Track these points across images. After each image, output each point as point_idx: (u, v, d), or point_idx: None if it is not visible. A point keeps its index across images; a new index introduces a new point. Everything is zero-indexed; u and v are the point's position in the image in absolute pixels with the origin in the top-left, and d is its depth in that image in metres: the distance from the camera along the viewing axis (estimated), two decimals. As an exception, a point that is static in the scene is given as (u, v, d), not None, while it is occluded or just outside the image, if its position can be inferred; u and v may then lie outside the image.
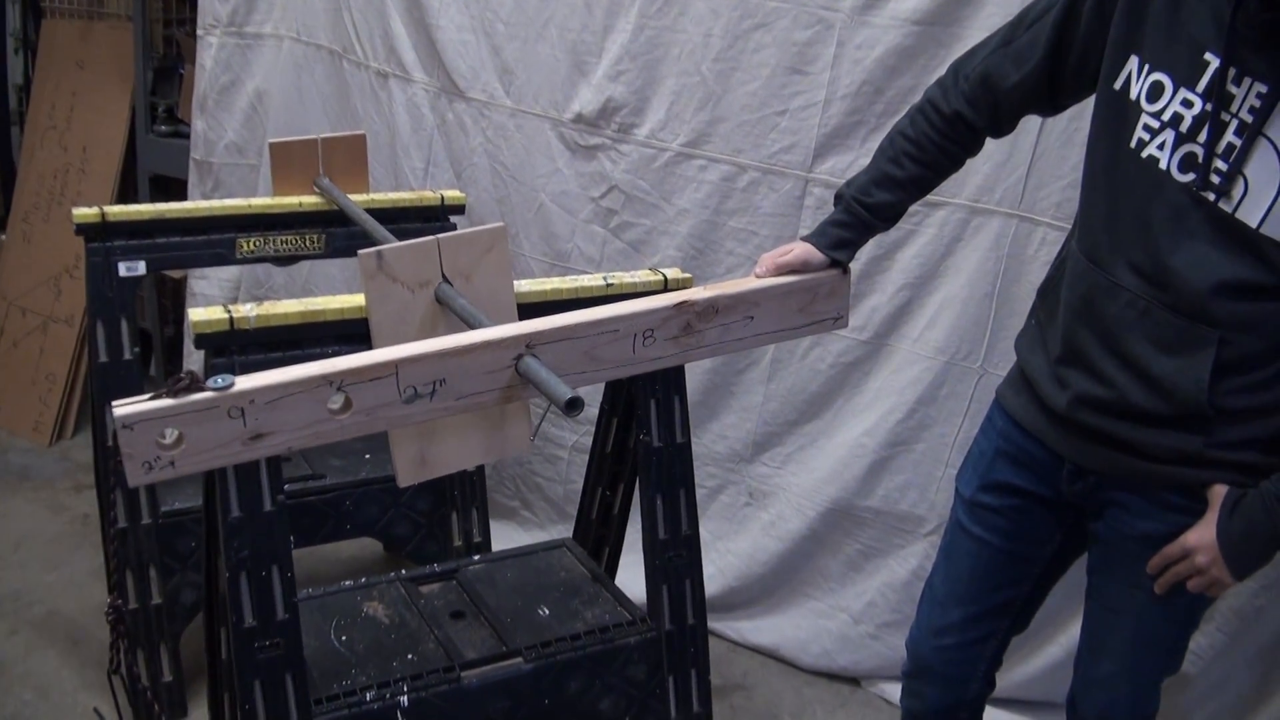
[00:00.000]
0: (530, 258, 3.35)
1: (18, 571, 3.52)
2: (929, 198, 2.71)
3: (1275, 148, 1.60)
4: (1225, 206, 1.65)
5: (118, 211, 2.72)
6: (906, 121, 2.00)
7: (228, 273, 4.08)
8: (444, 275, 1.86)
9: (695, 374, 3.12)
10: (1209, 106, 1.65)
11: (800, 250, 1.97)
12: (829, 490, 3.10)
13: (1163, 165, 1.70)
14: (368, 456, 3.17)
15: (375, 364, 1.67)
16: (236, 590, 2.05)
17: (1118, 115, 1.76)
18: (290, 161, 2.93)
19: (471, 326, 1.80)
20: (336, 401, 1.67)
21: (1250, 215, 1.63)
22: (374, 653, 2.33)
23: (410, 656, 2.32)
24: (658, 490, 2.43)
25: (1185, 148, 1.68)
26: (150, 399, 1.58)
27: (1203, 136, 1.65)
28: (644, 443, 2.42)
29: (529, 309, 2.01)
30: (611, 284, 2.35)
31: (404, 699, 2.21)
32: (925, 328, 2.93)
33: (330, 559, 3.52)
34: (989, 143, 2.05)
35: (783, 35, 2.88)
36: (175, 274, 4.35)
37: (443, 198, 3.01)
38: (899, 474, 3.01)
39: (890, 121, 2.76)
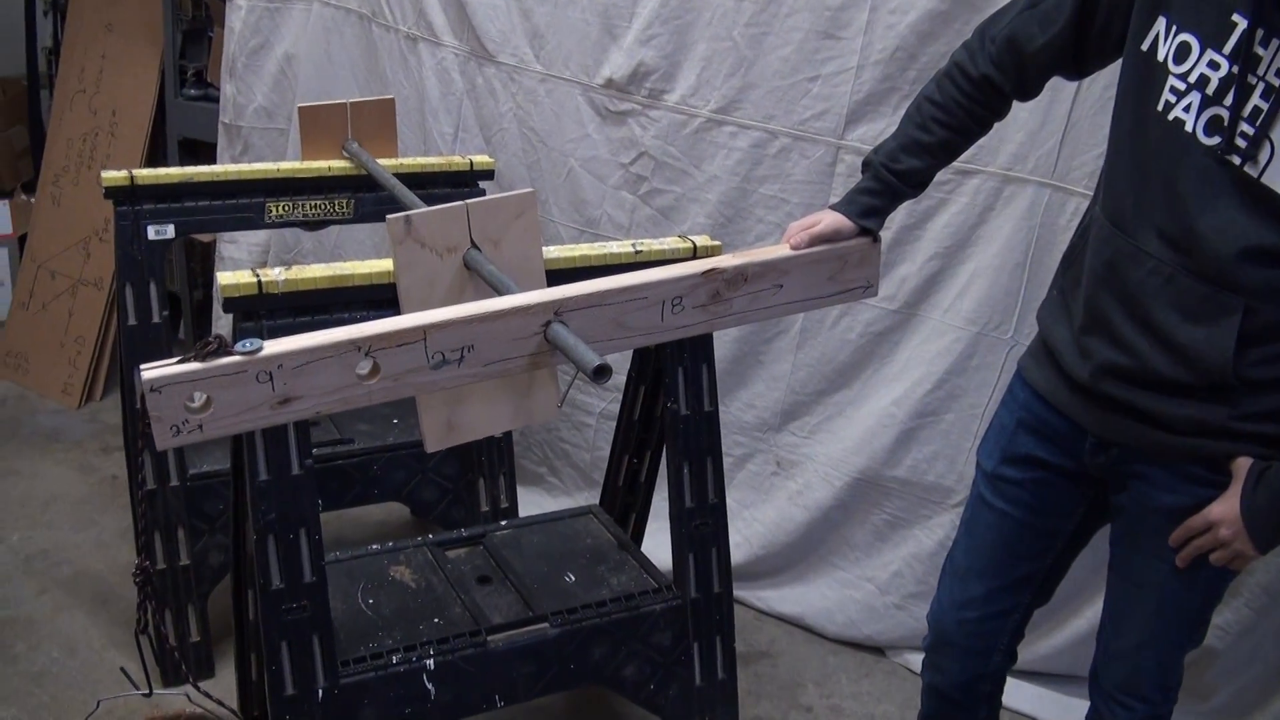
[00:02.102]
0: (559, 224, 3.34)
1: (46, 531, 3.55)
2: (961, 166, 2.71)
3: None
4: (1251, 170, 1.62)
5: (146, 175, 2.73)
6: (933, 86, 1.98)
7: (257, 237, 4.09)
8: (473, 241, 1.86)
9: (723, 342, 3.11)
10: (1235, 69, 1.62)
11: (830, 220, 1.95)
12: (856, 460, 3.09)
13: (1188, 128, 1.67)
14: (395, 421, 3.18)
15: (403, 329, 1.67)
16: (264, 553, 2.06)
17: (1144, 77, 1.73)
18: (319, 126, 2.93)
19: (500, 292, 1.79)
20: (364, 367, 1.67)
21: (1277, 180, 1.61)
22: (400, 616, 2.34)
23: (436, 620, 2.33)
24: (685, 458, 2.43)
25: (1211, 110, 1.65)
26: (178, 362, 1.58)
27: (1229, 99, 1.63)
28: (671, 410, 2.41)
29: (557, 275, 2.01)
30: (640, 251, 2.34)
31: (430, 662, 2.22)
32: (956, 298, 2.90)
33: (358, 523, 3.54)
34: (1022, 111, 2.03)
35: (816, 0, 2.85)
36: (204, 238, 4.35)
37: (471, 163, 3.01)
38: (927, 445, 2.99)
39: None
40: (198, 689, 2.01)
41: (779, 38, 2.92)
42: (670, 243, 2.38)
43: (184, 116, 4.36)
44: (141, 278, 2.74)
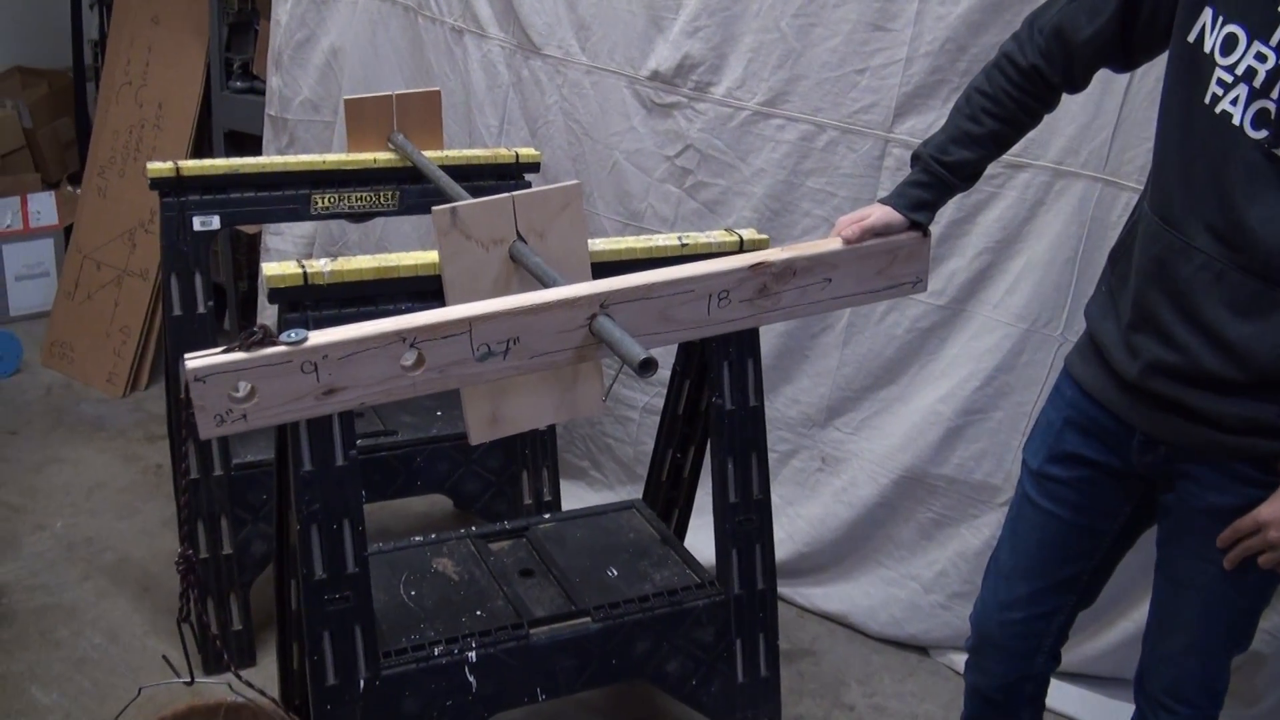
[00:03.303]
0: (604, 217, 3.33)
1: (90, 518, 3.57)
2: (1011, 159, 2.67)
3: None
4: None
5: (192, 166, 2.74)
6: (983, 78, 1.96)
7: (302, 229, 4.10)
8: (518, 233, 1.85)
9: (769, 337, 3.08)
10: None
11: (880, 214, 1.94)
12: (902, 457, 3.06)
13: (1235, 121, 1.64)
14: (439, 413, 3.17)
15: (449, 321, 1.66)
16: (307, 543, 2.07)
17: (1191, 69, 1.70)
18: (365, 118, 2.93)
19: (545, 285, 1.79)
20: (409, 358, 1.66)
21: None
22: (443, 608, 2.34)
23: (479, 613, 2.33)
24: (729, 453, 2.41)
25: (1259, 103, 1.62)
26: (223, 352, 1.59)
27: (1276, 92, 1.60)
28: (716, 405, 2.40)
29: (603, 268, 2.00)
30: (686, 244, 2.33)
31: (472, 654, 2.22)
32: (1005, 293, 2.87)
33: (401, 514, 3.54)
34: (1073, 103, 2.01)
35: (864, -9, 2.82)
36: (250, 229, 4.37)
37: (517, 155, 3.00)
38: (974, 442, 2.96)
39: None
40: (239, 678, 2.01)
41: (827, 29, 2.89)
42: (716, 236, 2.36)
43: (230, 109, 4.37)
44: (187, 268, 2.75)
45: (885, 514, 3.14)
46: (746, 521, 2.44)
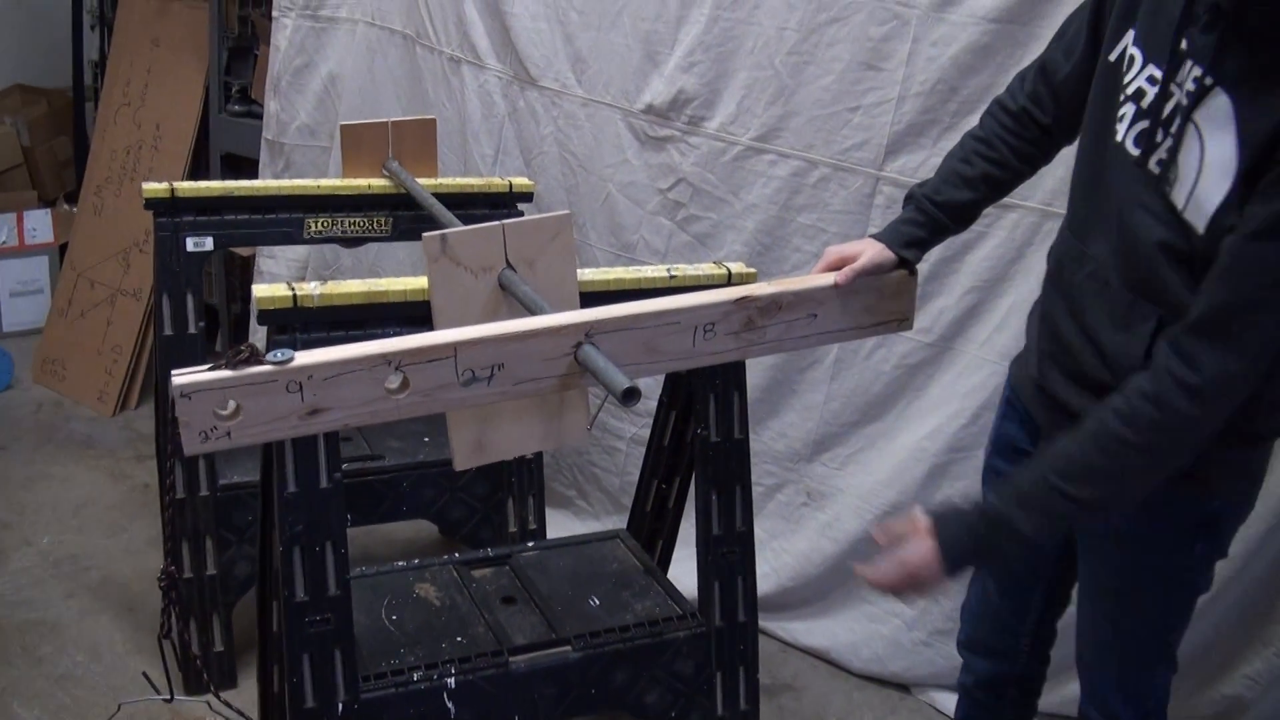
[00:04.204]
0: (596, 248, 3.35)
1: (76, 536, 3.58)
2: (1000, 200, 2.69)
3: (1199, 135, 1.58)
4: (1166, 188, 1.64)
5: (187, 188, 2.76)
6: (977, 126, 2.03)
7: (295, 252, 4.12)
8: (508, 261, 1.87)
9: (757, 370, 3.10)
10: (1160, 87, 1.65)
11: (871, 254, 1.96)
12: (888, 493, 3.07)
13: (1119, 138, 1.71)
14: (426, 439, 3.18)
15: (434, 345, 1.68)
16: (290, 564, 2.07)
17: (1108, 87, 1.76)
18: (360, 144, 2.96)
19: (533, 313, 1.80)
20: (394, 381, 1.68)
21: (1179, 198, 1.62)
22: (423, 633, 2.34)
23: (459, 639, 2.33)
24: (713, 485, 2.42)
25: (1141, 124, 1.68)
26: (210, 369, 1.60)
27: (1156, 114, 1.66)
28: (702, 437, 2.40)
29: (591, 298, 2.01)
30: (675, 276, 2.34)
31: (451, 680, 2.22)
32: (993, 331, 2.88)
33: (386, 539, 3.54)
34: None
35: (858, 30, 2.85)
36: (244, 252, 4.39)
37: (511, 185, 3.02)
38: (959, 479, 2.96)
39: (964, 121, 2.76)
40: (218, 698, 2.01)
41: (820, 67, 2.92)
42: (705, 268, 2.38)
43: (227, 132, 4.40)
44: (179, 289, 2.77)
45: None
46: (729, 554, 2.44)
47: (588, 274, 2.27)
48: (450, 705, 2.21)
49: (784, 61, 2.95)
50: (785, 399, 3.20)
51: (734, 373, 2.40)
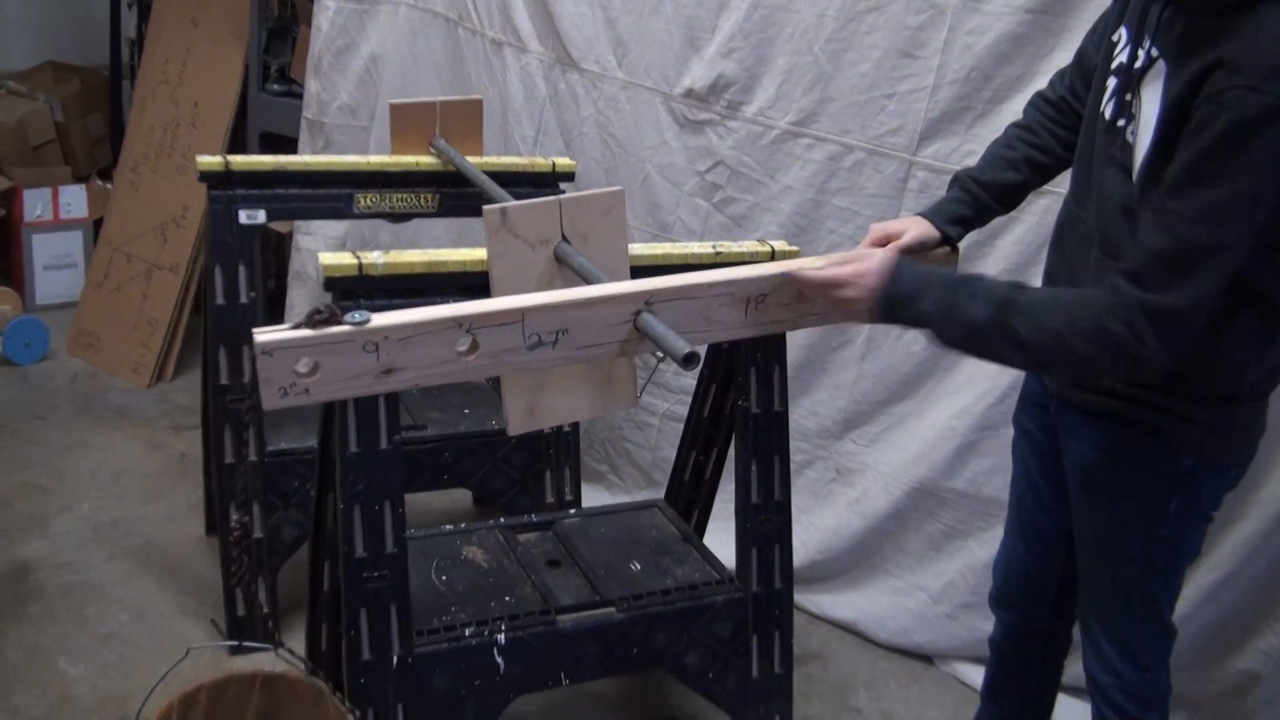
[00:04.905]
0: (634, 228, 3.41)
1: (116, 502, 3.64)
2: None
3: (1143, 103, 1.72)
4: (1127, 155, 1.76)
5: (241, 161, 2.82)
6: (1020, 116, 2.13)
7: (334, 229, 4.19)
8: (563, 234, 1.94)
9: (789, 349, 3.14)
10: (1130, 58, 1.76)
11: (916, 231, 2.04)
12: (916, 470, 3.14)
13: (1102, 107, 1.83)
14: (466, 411, 3.26)
15: (503, 310, 1.75)
16: (350, 522, 2.15)
17: (1105, 62, 1.86)
18: (408, 122, 3.02)
19: (590, 284, 1.87)
20: (464, 343, 1.75)
21: (1134, 164, 1.73)
22: (473, 593, 2.42)
23: (507, 599, 2.41)
24: (753, 455, 2.50)
25: (1116, 96, 1.79)
26: (290, 329, 1.67)
27: (1124, 86, 1.77)
28: (743, 408, 2.48)
29: (640, 271, 2.08)
30: (720, 252, 2.42)
31: (501, 637, 2.30)
32: (1022, 314, 2.95)
33: (422, 509, 3.60)
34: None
35: (895, 19, 2.92)
36: (281, 228, 4.45)
37: (554, 164, 3.09)
38: (986, 457, 3.03)
39: (998, 109, 2.83)
40: (282, 646, 2.09)
41: (858, 54, 2.99)
42: (749, 246, 2.46)
43: (266, 111, 4.47)
44: (231, 260, 2.82)
45: (896, 525, 3.22)
46: (767, 522, 2.52)
47: (636, 249, 2.35)
48: (500, 660, 2.29)
49: (823, 48, 3.02)
50: (816, 377, 3.28)
51: (775, 346, 2.48)
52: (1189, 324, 1.66)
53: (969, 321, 1.76)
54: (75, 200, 5.09)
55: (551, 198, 1.94)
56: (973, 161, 2.21)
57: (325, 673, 2.50)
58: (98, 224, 4.91)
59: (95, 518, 3.54)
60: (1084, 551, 2.06)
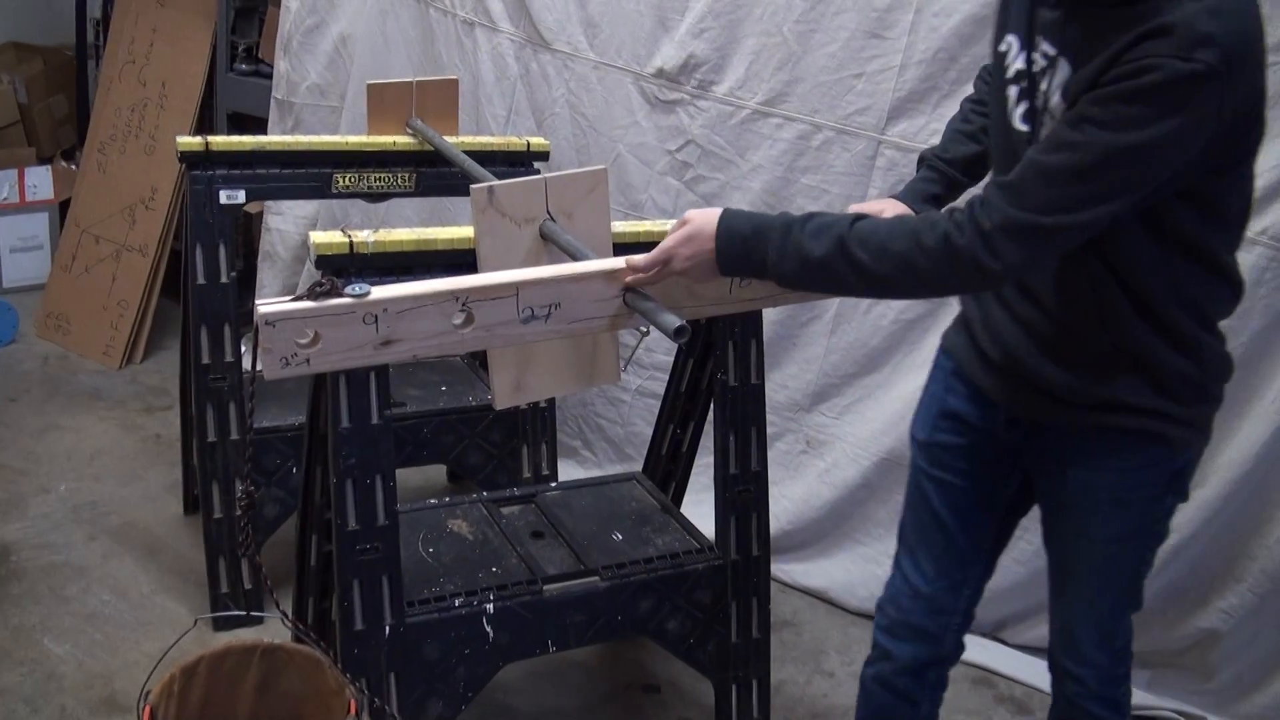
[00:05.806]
0: (604, 206, 3.46)
1: (93, 484, 3.65)
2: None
3: (1050, 103, 1.73)
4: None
5: (221, 141, 2.85)
6: (970, 89, 2.19)
7: (304, 209, 4.21)
8: (549, 212, 1.99)
9: (760, 324, 3.24)
10: (1028, 64, 1.78)
11: (891, 211, 2.09)
12: (884, 441, 3.22)
13: (1010, 118, 1.82)
14: (444, 388, 3.30)
15: (498, 284, 1.80)
16: (342, 496, 2.19)
17: (1000, 74, 1.87)
18: (384, 102, 3.05)
19: (575, 260, 1.92)
20: (459, 317, 1.79)
21: None
22: (460, 564, 2.47)
23: (494, 569, 2.46)
24: (731, 427, 2.57)
25: (1024, 104, 1.80)
26: (293, 300, 1.71)
27: (1031, 93, 1.78)
28: (721, 381, 2.55)
29: (623, 248, 2.13)
30: (698, 229, 2.47)
31: (490, 606, 2.36)
32: (986, 289, 3.03)
33: (399, 486, 3.63)
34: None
35: (863, 0, 2.98)
36: (251, 209, 4.46)
37: (529, 144, 3.14)
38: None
39: (962, 89, 2.89)
40: (288, 617, 2.13)
41: (827, 35, 3.06)
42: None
43: (234, 91, 4.47)
44: (212, 240, 2.85)
45: (865, 495, 3.30)
46: (745, 492, 2.59)
47: (618, 226, 2.40)
48: (489, 629, 2.35)
49: (791, 29, 3.08)
50: (787, 351, 3.35)
51: (752, 321, 2.54)
52: (1049, 245, 1.68)
53: (811, 258, 1.75)
54: (41, 182, 5.06)
55: (537, 176, 1.99)
56: (938, 140, 2.27)
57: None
58: (64, 206, 4.89)
59: (73, 499, 3.55)
60: (1079, 561, 2.03)
